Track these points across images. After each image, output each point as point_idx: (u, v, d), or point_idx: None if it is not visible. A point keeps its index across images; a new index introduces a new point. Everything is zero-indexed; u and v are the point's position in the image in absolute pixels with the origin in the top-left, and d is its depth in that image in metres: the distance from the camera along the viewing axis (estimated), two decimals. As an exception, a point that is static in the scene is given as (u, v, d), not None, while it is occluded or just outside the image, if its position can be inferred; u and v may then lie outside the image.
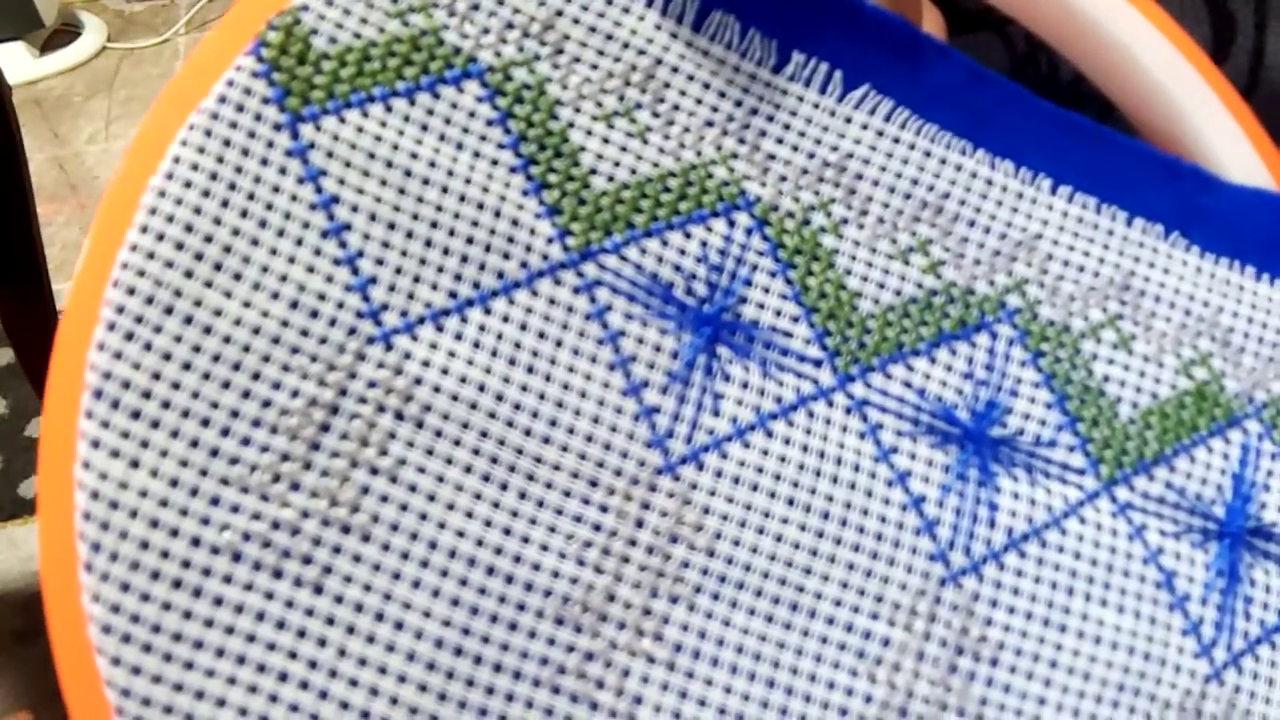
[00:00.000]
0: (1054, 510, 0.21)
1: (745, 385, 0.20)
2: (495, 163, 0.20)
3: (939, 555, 0.20)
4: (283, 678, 0.17)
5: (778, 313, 0.21)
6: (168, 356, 0.18)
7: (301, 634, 0.17)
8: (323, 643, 0.17)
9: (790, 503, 0.20)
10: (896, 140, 0.22)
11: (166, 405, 0.18)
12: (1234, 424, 0.22)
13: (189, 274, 0.18)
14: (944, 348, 0.21)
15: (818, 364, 0.21)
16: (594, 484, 0.19)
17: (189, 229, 0.18)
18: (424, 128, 0.20)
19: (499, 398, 0.19)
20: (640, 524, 0.19)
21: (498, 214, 0.20)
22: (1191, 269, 0.23)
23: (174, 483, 0.17)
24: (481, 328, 0.19)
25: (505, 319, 0.19)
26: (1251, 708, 0.21)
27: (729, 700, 0.19)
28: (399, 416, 0.18)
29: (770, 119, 0.21)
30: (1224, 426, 0.22)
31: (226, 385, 0.18)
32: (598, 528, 0.19)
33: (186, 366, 0.18)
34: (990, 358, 0.21)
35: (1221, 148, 0.24)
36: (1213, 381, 0.22)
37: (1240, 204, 0.23)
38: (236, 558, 0.17)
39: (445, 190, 0.19)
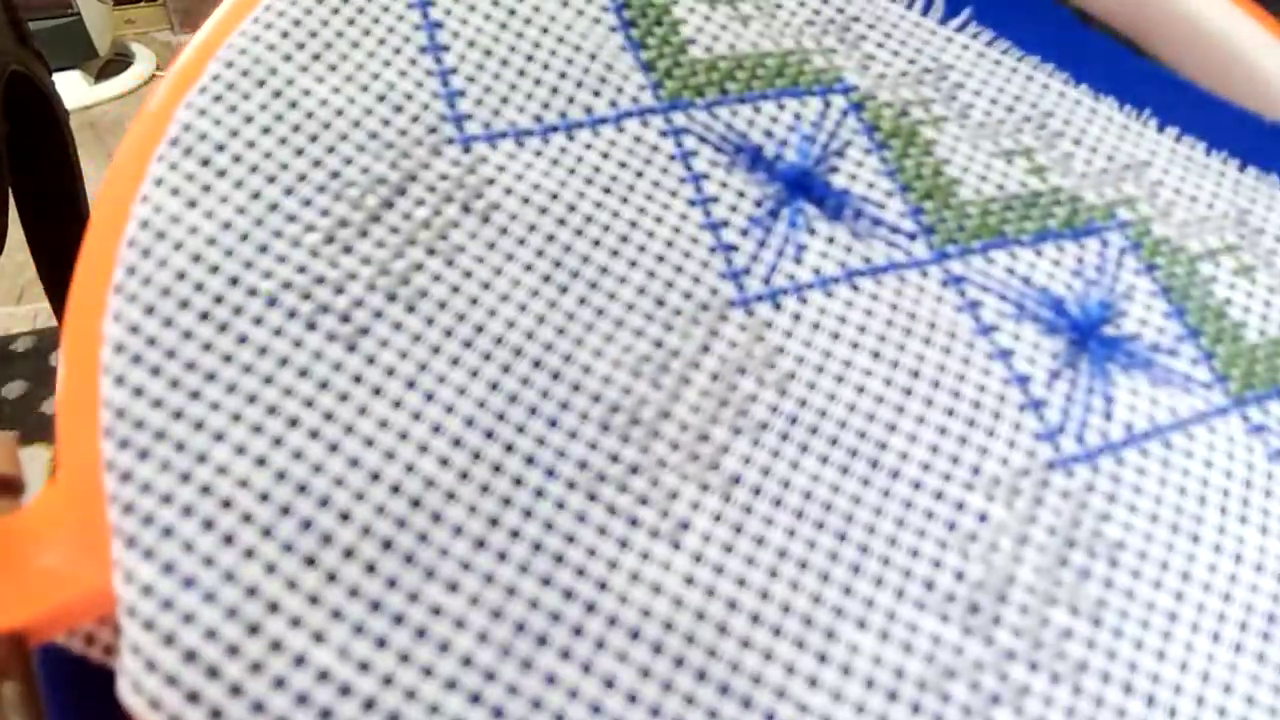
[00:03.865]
0: (1180, 415, 0.16)
1: (831, 240, 0.17)
2: (598, 21, 0.18)
3: (1047, 436, 0.15)
4: (293, 423, 0.13)
5: (870, 185, 0.17)
6: (249, 119, 0.16)
7: (323, 385, 0.14)
8: (344, 397, 0.14)
9: (875, 356, 0.16)
10: (998, 62, 0.19)
11: (237, 159, 0.15)
12: None
13: (287, 58, 0.16)
14: (1050, 243, 0.17)
15: (911, 237, 0.17)
16: (660, 303, 0.15)
17: (296, 23, 0.16)
18: None
19: (571, 208, 0.16)
20: (706, 349, 0.15)
21: (593, 57, 0.17)
22: None
23: (226, 225, 0.15)
24: (563, 149, 0.17)
25: (588, 146, 0.17)
26: None
27: (791, 545, 0.14)
28: (465, 209, 0.16)
29: (872, 27, 0.19)
30: None
31: (300, 152, 0.15)
32: (659, 344, 0.15)
33: (265, 130, 0.16)
34: (1101, 260, 0.18)
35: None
36: None
37: None
38: (271, 303, 0.14)
39: (545, 30, 0.17)
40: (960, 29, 0.19)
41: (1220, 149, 0.19)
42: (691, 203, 0.16)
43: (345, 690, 0.12)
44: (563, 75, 0.17)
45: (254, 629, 0.12)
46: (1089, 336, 0.17)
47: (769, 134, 0.18)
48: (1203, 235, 0.18)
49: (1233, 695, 0.14)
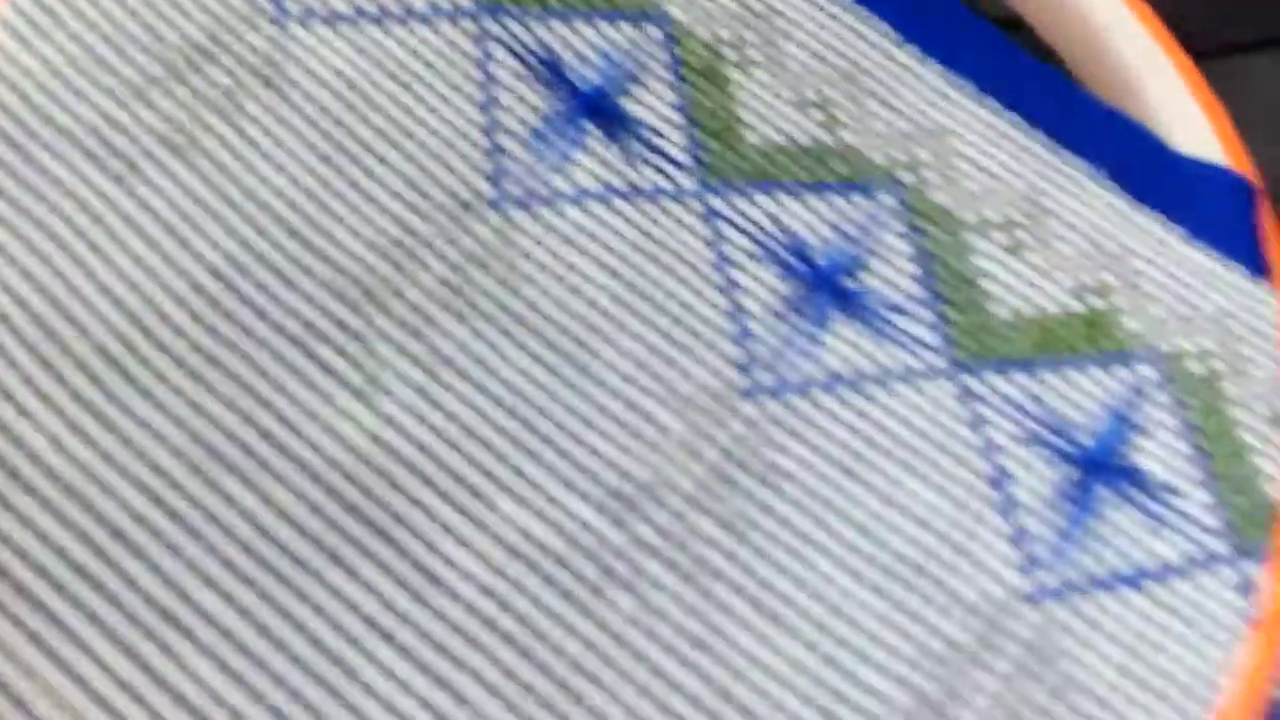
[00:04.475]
0: (887, 369, 0.17)
1: (603, 162, 0.18)
2: None
3: (746, 367, 0.17)
4: (59, 244, 0.15)
5: (660, 116, 0.18)
6: None
7: (96, 218, 0.16)
8: (109, 232, 0.16)
9: (612, 273, 0.17)
10: (833, 16, 0.20)
11: (76, 13, 0.17)
12: (1124, 361, 0.18)
13: None
14: (818, 196, 0.18)
15: (683, 169, 0.18)
16: (424, 196, 0.17)
17: None
18: None
19: (363, 96, 0.17)
20: (453, 242, 0.17)
21: None
22: (1108, 208, 0.19)
23: (53, 71, 0.17)
24: (373, 40, 0.18)
25: (397, 40, 0.18)
26: (1080, 655, 0.16)
27: (464, 413, 0.16)
28: (266, 83, 0.17)
29: None
30: (1111, 360, 0.18)
31: (133, 14, 0.17)
32: (411, 232, 0.17)
33: None
34: (865, 218, 0.18)
35: (1182, 132, 0.21)
36: (1109, 314, 0.18)
37: (1189, 172, 0.20)
38: (70, 138, 0.16)
39: None
40: None
41: (1038, 128, 0.20)
42: (479, 106, 0.18)
43: (49, 472, 0.14)
44: None
45: None
46: (823, 284, 0.18)
47: (577, 53, 0.19)
48: (982, 208, 0.19)
49: (858, 630, 0.15)
